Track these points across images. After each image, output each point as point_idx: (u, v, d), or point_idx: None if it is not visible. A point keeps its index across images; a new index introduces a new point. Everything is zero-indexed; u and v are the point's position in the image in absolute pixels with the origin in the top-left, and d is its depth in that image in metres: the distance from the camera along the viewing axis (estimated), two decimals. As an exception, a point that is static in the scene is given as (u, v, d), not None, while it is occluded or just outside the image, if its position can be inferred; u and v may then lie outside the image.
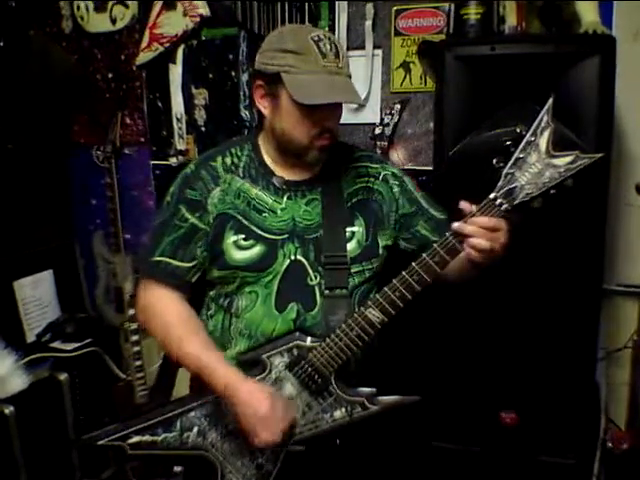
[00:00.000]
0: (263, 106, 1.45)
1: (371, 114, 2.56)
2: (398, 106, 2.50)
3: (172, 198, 1.51)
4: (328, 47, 1.36)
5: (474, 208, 1.30)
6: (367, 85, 2.54)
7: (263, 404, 1.34)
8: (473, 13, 2.01)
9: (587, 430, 2.03)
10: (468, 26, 2.02)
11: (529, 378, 1.95)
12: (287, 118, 1.40)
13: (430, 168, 2.33)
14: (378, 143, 2.51)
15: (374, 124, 2.54)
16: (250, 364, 1.43)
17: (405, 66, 2.50)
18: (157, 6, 2.71)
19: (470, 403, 2.02)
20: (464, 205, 1.31)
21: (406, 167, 2.52)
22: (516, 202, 1.27)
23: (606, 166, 1.89)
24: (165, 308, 1.50)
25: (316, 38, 1.36)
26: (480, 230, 1.28)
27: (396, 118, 2.51)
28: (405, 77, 2.50)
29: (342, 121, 2.46)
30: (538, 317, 1.93)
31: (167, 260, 1.48)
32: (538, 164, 1.25)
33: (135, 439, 1.47)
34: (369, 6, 2.49)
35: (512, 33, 2.04)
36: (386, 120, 2.51)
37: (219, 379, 1.38)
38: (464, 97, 1.93)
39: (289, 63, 1.35)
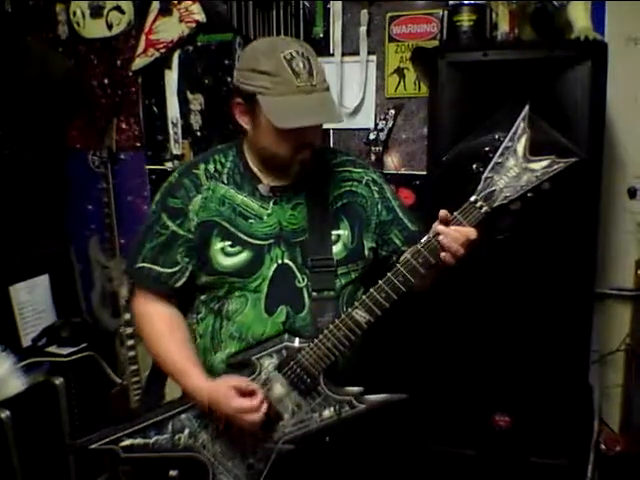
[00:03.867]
0: (244, 122, 1.46)
1: (365, 119, 2.58)
2: (392, 111, 2.52)
3: (156, 206, 1.54)
4: (301, 65, 1.34)
5: (455, 214, 1.33)
6: (361, 91, 2.55)
7: (226, 399, 1.39)
8: (466, 20, 2.03)
9: (580, 433, 2.04)
10: (461, 32, 2.04)
11: (523, 381, 1.96)
12: (267, 135, 1.41)
13: (424, 173, 2.34)
14: (372, 148, 2.52)
15: (368, 129, 2.55)
16: (240, 366, 1.45)
17: (399, 72, 2.51)
18: (153, 12, 2.73)
19: (464, 406, 2.02)
20: (443, 214, 1.33)
21: (400, 172, 2.54)
22: (495, 205, 1.30)
23: (598, 170, 1.91)
24: (150, 314, 1.54)
25: (288, 56, 1.34)
26: (460, 237, 1.31)
27: (390, 123, 2.52)
28: (399, 83, 2.52)
29: (337, 126, 2.53)
30: (531, 320, 1.94)
31: (149, 266, 1.51)
32: (516, 168, 1.29)
33: (127, 442, 1.49)
34: (363, 12, 2.50)
35: (505, 39, 2.06)
36: (380, 125, 2.52)
37: (190, 388, 1.45)
38: (457, 103, 1.94)
39: (263, 85, 1.35)
